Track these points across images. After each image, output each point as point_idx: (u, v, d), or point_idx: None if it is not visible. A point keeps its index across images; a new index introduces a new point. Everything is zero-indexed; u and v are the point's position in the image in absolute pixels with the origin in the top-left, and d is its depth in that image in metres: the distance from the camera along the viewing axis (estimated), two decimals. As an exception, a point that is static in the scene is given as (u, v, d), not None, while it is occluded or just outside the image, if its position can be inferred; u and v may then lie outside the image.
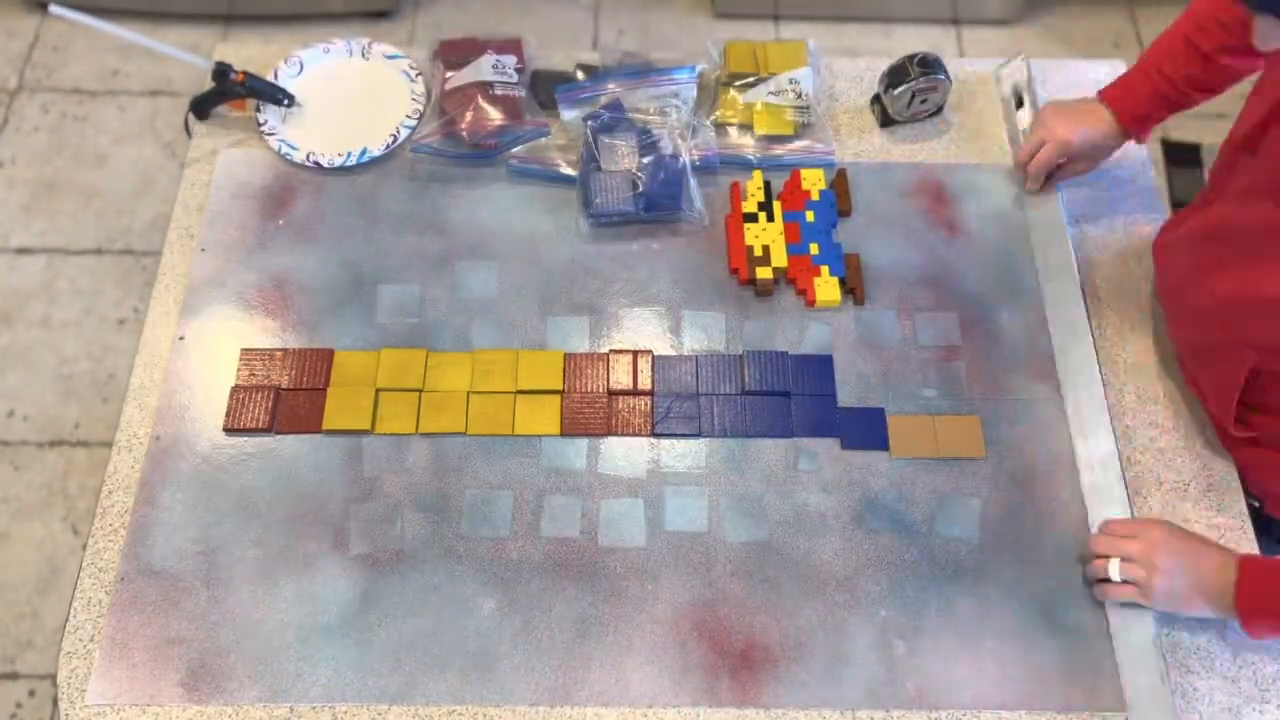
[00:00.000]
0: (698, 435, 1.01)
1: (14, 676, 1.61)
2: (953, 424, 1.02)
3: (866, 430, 1.01)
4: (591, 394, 1.02)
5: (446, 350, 1.05)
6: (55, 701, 0.91)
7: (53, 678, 1.58)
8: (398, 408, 1.01)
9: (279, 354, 1.04)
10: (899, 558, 0.95)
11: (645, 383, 1.03)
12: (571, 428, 1.01)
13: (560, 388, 1.03)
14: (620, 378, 1.03)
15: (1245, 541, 0.97)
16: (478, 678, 0.90)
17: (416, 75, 1.24)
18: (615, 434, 1.01)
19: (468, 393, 1.02)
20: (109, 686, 0.89)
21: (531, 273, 1.10)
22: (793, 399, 1.02)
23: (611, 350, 1.05)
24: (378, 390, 1.02)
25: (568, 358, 1.04)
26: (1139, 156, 1.20)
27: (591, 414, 1.01)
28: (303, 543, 0.95)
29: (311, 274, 1.10)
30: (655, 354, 1.05)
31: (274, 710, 0.88)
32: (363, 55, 1.26)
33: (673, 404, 1.02)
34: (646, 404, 1.02)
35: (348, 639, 0.91)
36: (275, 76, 1.22)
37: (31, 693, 1.60)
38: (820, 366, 1.04)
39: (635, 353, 1.05)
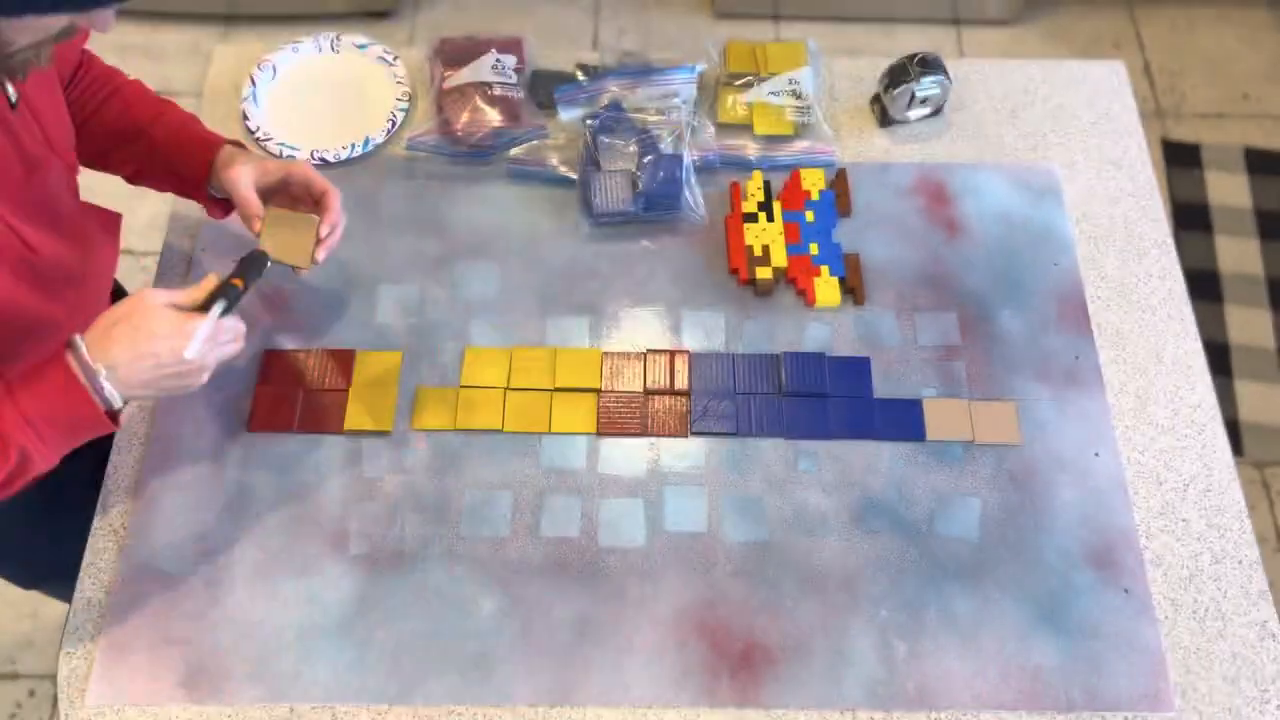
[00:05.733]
0: (735, 434, 1.01)
1: (14, 676, 1.60)
2: (989, 409, 1.02)
3: (903, 421, 1.01)
4: (628, 394, 1.02)
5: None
6: (55, 702, 0.91)
7: (52, 678, 1.58)
8: (434, 404, 1.01)
9: (302, 354, 1.04)
10: (899, 558, 0.95)
11: (682, 382, 1.03)
12: (608, 427, 1.01)
13: (598, 386, 1.02)
14: (658, 377, 1.03)
15: (1245, 543, 0.97)
16: (477, 678, 0.89)
17: (394, 59, 1.23)
18: (652, 434, 1.01)
19: (504, 389, 1.02)
20: (109, 687, 0.89)
21: (531, 273, 1.10)
22: (829, 398, 1.02)
23: (649, 350, 1.05)
24: (417, 386, 1.02)
25: (605, 356, 1.04)
26: (1139, 156, 1.20)
27: (628, 414, 1.01)
28: (302, 543, 0.95)
29: (311, 274, 1.09)
30: (692, 354, 1.05)
31: (273, 710, 0.88)
32: (332, 49, 1.26)
33: (710, 403, 1.02)
34: (683, 404, 1.02)
35: (347, 639, 0.91)
36: (254, 85, 1.21)
37: (31, 693, 1.60)
38: (858, 368, 1.04)
39: (673, 352, 1.05)
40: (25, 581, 1.24)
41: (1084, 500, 0.98)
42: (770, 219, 1.13)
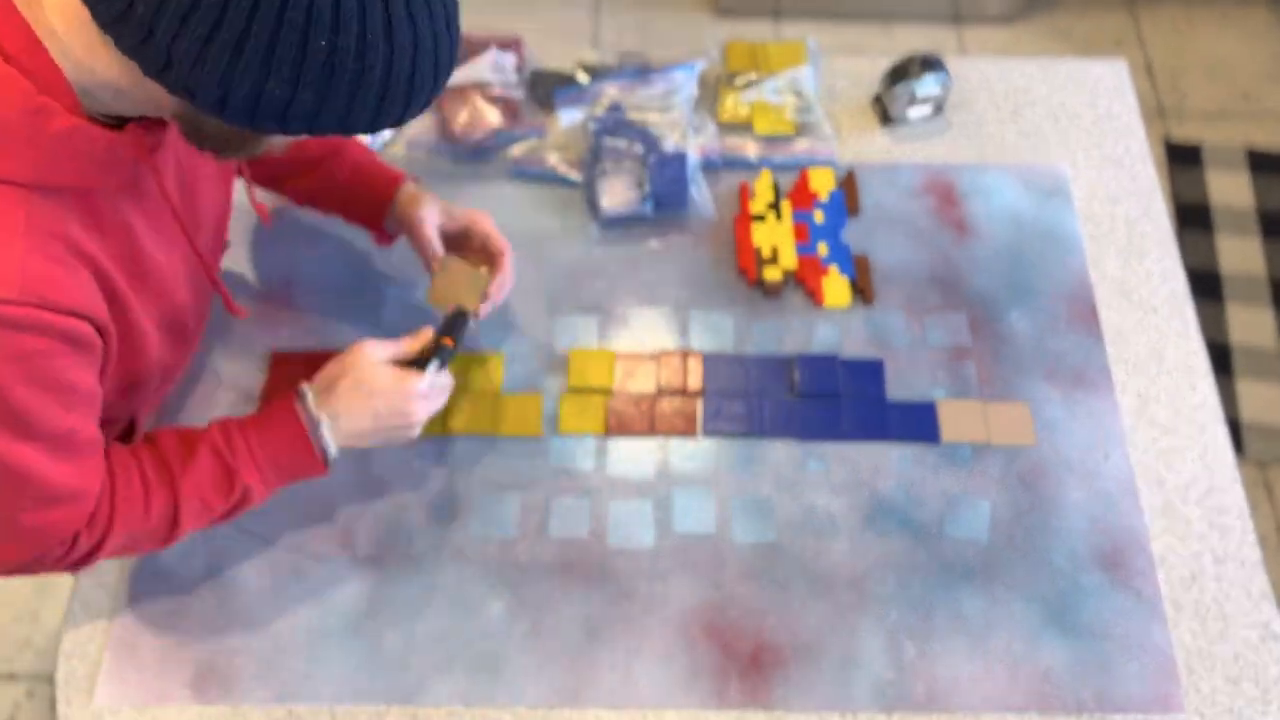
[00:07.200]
0: (747, 435, 1.00)
1: (12, 677, 1.60)
2: (1002, 411, 1.02)
3: (917, 423, 1.01)
4: (638, 394, 1.02)
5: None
6: (53, 703, 0.90)
7: (51, 679, 1.58)
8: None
9: (310, 354, 1.03)
10: (908, 559, 0.95)
11: (695, 383, 1.03)
12: (618, 428, 1.00)
13: (611, 387, 1.02)
14: (670, 378, 1.03)
15: (1247, 544, 0.97)
16: (486, 679, 0.89)
17: None
18: (660, 434, 1.00)
19: (498, 394, 1.02)
20: (117, 687, 0.89)
21: (538, 273, 1.10)
22: (842, 400, 1.02)
23: (662, 351, 1.05)
24: None
25: (618, 357, 1.04)
26: (1140, 155, 1.20)
27: (637, 414, 1.01)
28: (310, 543, 0.95)
29: (316, 274, 1.09)
30: (704, 355, 1.04)
31: (273, 711, 0.88)
32: None
33: (722, 404, 1.02)
34: (693, 405, 1.02)
35: (356, 640, 0.91)
36: None
37: (30, 693, 1.59)
38: (871, 370, 1.04)
39: (685, 353, 1.04)
40: None
41: (1093, 502, 0.98)
42: (779, 219, 1.13)
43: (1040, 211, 1.15)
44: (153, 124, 0.70)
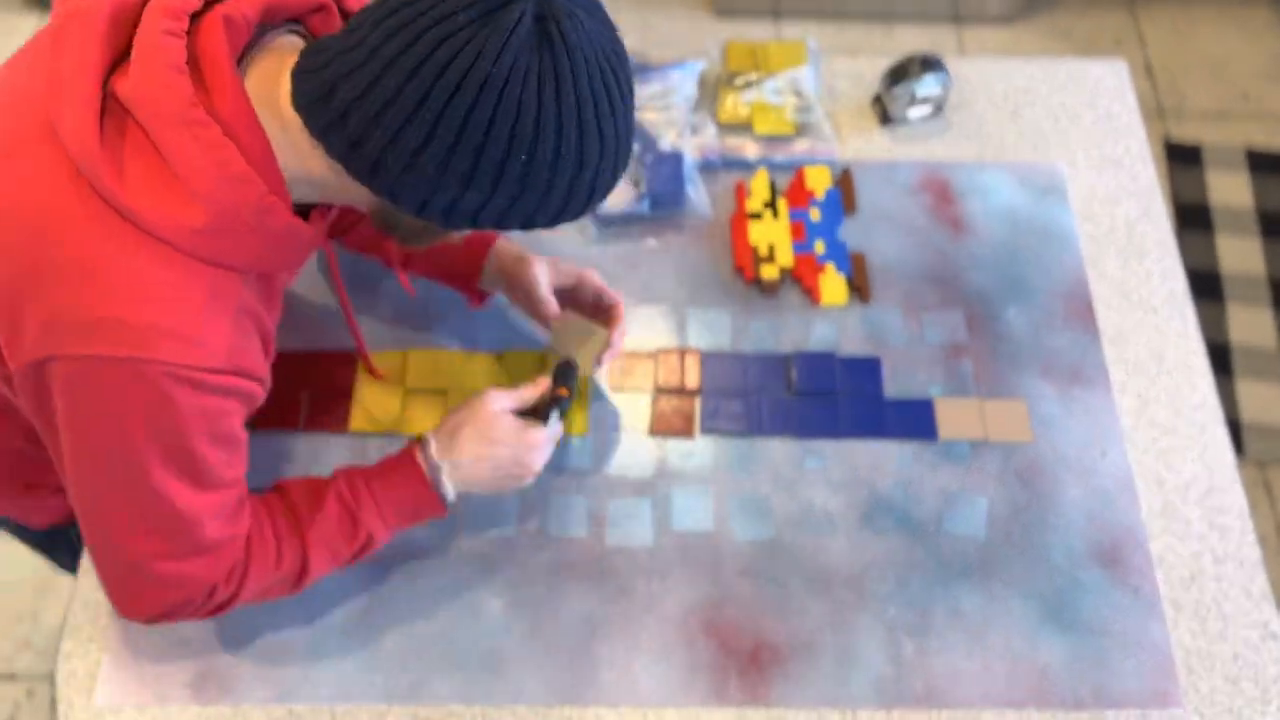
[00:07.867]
0: (745, 433, 1.01)
1: (12, 677, 1.60)
2: (1000, 408, 1.02)
3: (914, 420, 1.01)
4: (635, 392, 1.02)
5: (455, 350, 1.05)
6: (53, 703, 0.91)
7: (51, 679, 1.58)
8: (426, 409, 1.01)
9: (307, 354, 1.04)
10: (906, 556, 0.95)
11: (693, 381, 1.03)
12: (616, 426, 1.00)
13: (586, 390, 1.02)
14: (668, 377, 1.03)
15: (1247, 544, 0.97)
16: (486, 678, 0.90)
17: None
18: (658, 434, 1.00)
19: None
20: (117, 688, 0.89)
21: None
22: (839, 398, 1.02)
23: (660, 350, 1.05)
24: (407, 391, 1.02)
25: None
26: (1140, 156, 1.20)
27: (635, 413, 1.01)
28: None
29: (312, 274, 1.09)
30: (702, 353, 1.05)
31: (273, 710, 0.88)
32: None
33: (720, 402, 1.02)
34: (690, 403, 1.02)
35: (355, 640, 0.91)
36: None
37: (30, 693, 1.59)
38: (869, 368, 1.04)
39: (683, 352, 1.05)
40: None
41: (1090, 498, 0.98)
42: (775, 217, 1.13)
43: (1035, 208, 1.15)
44: (326, 209, 0.76)
